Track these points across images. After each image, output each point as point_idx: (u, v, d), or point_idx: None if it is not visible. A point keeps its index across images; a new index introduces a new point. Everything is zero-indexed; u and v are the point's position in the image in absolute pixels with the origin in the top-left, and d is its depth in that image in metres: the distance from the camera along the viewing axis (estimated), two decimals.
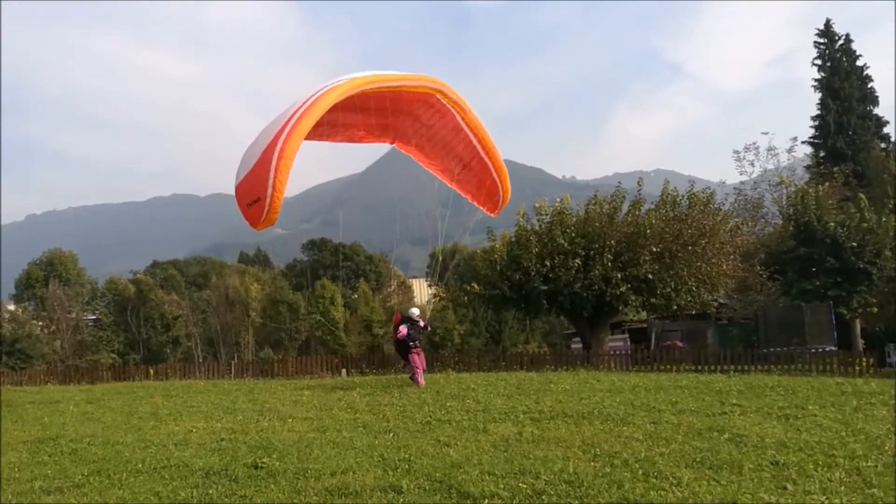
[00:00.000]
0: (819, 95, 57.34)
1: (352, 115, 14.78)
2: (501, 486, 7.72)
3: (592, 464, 8.75)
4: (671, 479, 7.89)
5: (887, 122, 57.58)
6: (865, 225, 35.41)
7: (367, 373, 27.97)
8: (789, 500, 7.22)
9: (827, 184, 40.94)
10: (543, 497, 7.38)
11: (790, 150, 51.18)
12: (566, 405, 13.91)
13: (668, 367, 26.41)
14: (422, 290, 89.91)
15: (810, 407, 13.15)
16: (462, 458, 9.26)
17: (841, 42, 57.85)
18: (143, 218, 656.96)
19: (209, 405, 16.74)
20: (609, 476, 8.06)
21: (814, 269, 35.97)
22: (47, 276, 73.31)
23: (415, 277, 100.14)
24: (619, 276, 29.04)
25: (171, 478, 8.94)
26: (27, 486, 8.92)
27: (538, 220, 31.81)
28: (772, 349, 30.30)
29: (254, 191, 11.89)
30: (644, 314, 39.37)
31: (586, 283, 29.17)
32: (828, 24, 58.50)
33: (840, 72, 56.78)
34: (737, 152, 51.20)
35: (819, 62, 57.90)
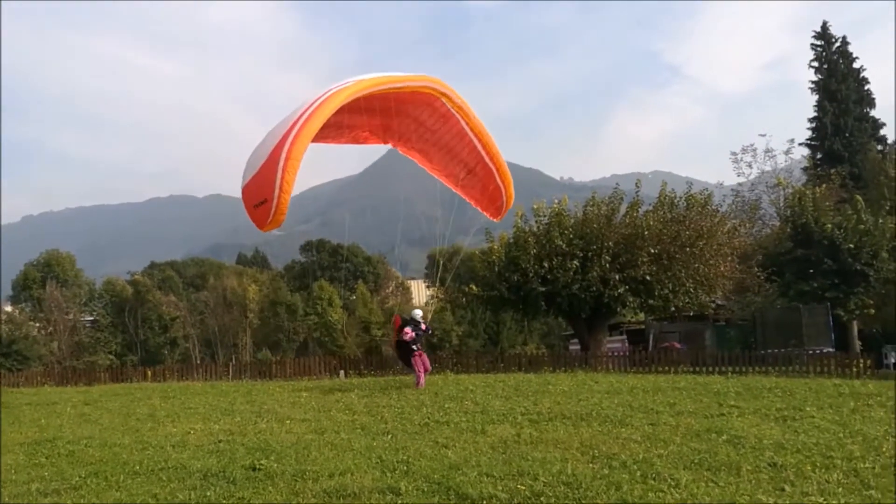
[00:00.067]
0: (816, 97, 57.42)
1: (357, 117, 14.83)
2: (500, 488, 7.71)
3: (591, 465, 8.75)
4: (669, 480, 7.89)
5: (884, 125, 57.72)
6: (862, 227, 35.48)
7: (365, 374, 27.97)
8: (787, 502, 7.22)
9: (824, 186, 41.00)
10: (542, 498, 7.37)
11: (787, 152, 51.23)
12: (564, 407, 13.91)
13: (666, 368, 26.41)
14: (420, 292, 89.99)
15: (808, 408, 13.17)
16: (460, 459, 9.25)
17: (838, 44, 57.95)
18: (141, 219, 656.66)
19: (207, 407, 16.73)
20: (607, 477, 8.06)
21: (811, 271, 36.03)
22: (44, 277, 73.29)
23: (413, 279, 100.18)
24: (616, 277, 29.06)
25: (168, 479, 8.93)
26: (24, 489, 8.89)
27: (536, 222, 31.84)
28: (769, 351, 30.32)
29: (261, 192, 11.91)
30: (642, 315, 39.39)
31: (584, 285, 29.19)
32: (824, 26, 58.60)
33: (837, 74, 56.86)
34: (734, 154, 51.26)
35: (816, 64, 57.98)
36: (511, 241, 31.83)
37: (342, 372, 28.98)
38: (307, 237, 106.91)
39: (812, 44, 58.37)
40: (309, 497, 7.80)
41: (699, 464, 8.67)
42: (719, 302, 39.77)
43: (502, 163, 16.64)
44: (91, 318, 73.65)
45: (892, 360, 35.85)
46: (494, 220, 17.95)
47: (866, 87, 57.77)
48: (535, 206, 32.47)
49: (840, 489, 7.58)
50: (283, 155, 11.70)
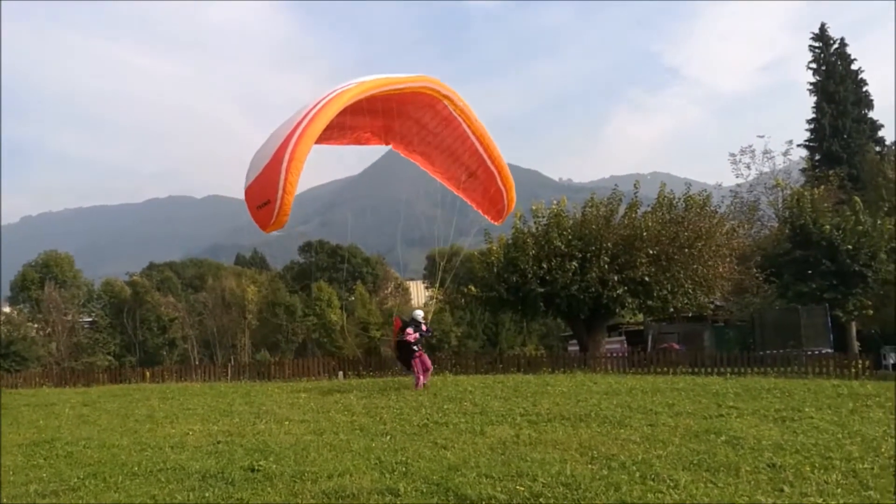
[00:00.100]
0: (814, 99, 57.54)
1: (359, 118, 14.86)
2: (499, 489, 7.71)
3: (590, 466, 8.74)
4: (668, 481, 7.89)
5: (882, 126, 57.86)
6: (861, 228, 35.53)
7: (364, 375, 27.96)
8: (786, 502, 7.22)
9: (822, 187, 41.11)
10: (541, 499, 7.37)
11: (786, 154, 51.45)
12: (563, 408, 13.90)
13: (665, 369, 26.45)
14: (419, 293, 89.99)
15: (807, 409, 13.17)
16: (459, 460, 9.24)
17: (836, 46, 58.05)
18: (140, 219, 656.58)
19: (205, 408, 16.70)
20: (606, 478, 8.05)
21: (810, 272, 36.08)
22: (43, 277, 73.20)
23: (412, 279, 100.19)
24: (615, 278, 29.09)
25: (167, 481, 8.91)
26: (22, 490, 8.88)
27: (535, 223, 31.88)
28: (768, 351, 30.37)
29: (264, 193, 11.92)
30: (641, 316, 39.43)
31: (583, 286, 29.21)
32: (822, 28, 58.68)
33: (835, 75, 56.97)
34: (733, 155, 51.50)
35: (814, 66, 58.09)
36: (510, 241, 31.86)
37: (341, 373, 28.98)
38: (306, 238, 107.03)
39: (810, 45, 58.52)
40: (308, 498, 7.79)
41: (698, 465, 8.67)
42: (718, 303, 39.82)
43: (504, 166, 16.67)
44: (89, 319, 73.60)
45: (891, 361, 35.95)
46: (495, 223, 17.97)
47: (864, 89, 57.90)
48: (533, 207, 32.51)
49: (839, 490, 7.58)
50: (287, 156, 11.73)
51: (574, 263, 29.25)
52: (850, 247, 35.08)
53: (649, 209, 31.84)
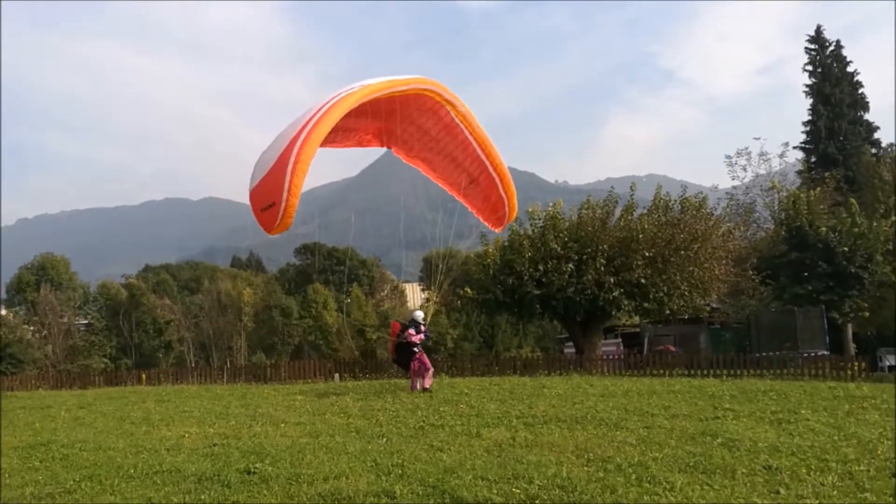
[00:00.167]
0: (810, 101, 57.68)
1: (362, 120, 14.91)
2: (495, 492, 7.70)
3: (586, 468, 8.74)
4: (664, 483, 7.89)
5: (878, 128, 58.05)
6: (857, 230, 35.59)
7: (359, 377, 27.94)
8: None
9: (818, 189, 41.13)
10: (537, 502, 7.37)
11: (782, 156, 51.44)
12: (559, 410, 13.90)
13: (661, 371, 26.46)
14: (415, 295, 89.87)
15: (803, 411, 13.18)
16: (455, 463, 9.23)
17: (832, 48, 58.19)
18: (136, 222, 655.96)
19: (201, 410, 16.68)
20: (602, 481, 8.05)
21: (806, 274, 36.12)
22: (39, 280, 73.02)
23: (408, 282, 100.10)
24: (611, 280, 29.09)
25: (163, 483, 8.89)
26: (18, 493, 8.86)
27: (531, 225, 31.88)
28: (764, 353, 30.43)
29: (269, 195, 11.94)
30: (637, 318, 39.50)
31: (579, 288, 29.21)
32: (818, 30, 58.84)
33: (831, 77, 57.10)
34: (729, 157, 51.47)
35: (810, 68, 58.22)
36: (506, 244, 31.86)
37: (337, 375, 28.95)
38: (303, 240, 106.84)
39: (806, 48, 58.65)
40: (304, 500, 7.78)
41: (694, 467, 8.67)
42: (714, 305, 39.87)
43: (506, 174, 16.69)
44: (85, 322, 73.49)
45: (887, 363, 35.98)
46: (496, 230, 17.94)
47: (860, 91, 58.06)
48: (529, 210, 32.49)
49: (835, 492, 7.59)
50: (293, 158, 11.78)
51: (570, 265, 29.26)
52: (846, 249, 35.14)
53: (645, 211, 31.86)
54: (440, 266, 19.55)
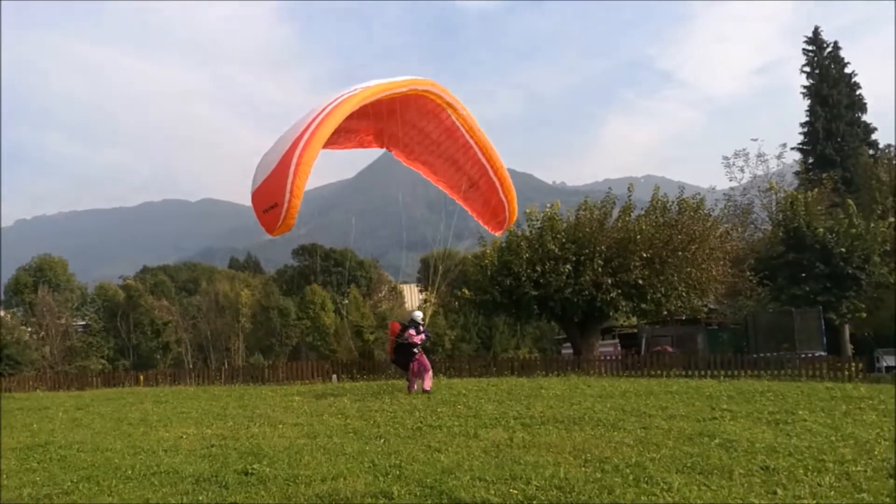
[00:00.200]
0: (808, 102, 57.76)
1: (363, 121, 14.95)
2: (492, 492, 7.70)
3: (583, 469, 8.74)
4: (662, 484, 7.89)
5: (875, 129, 58.13)
6: (854, 231, 35.64)
7: (357, 378, 27.93)
8: None
9: (816, 190, 41.16)
10: (534, 502, 7.37)
11: (779, 157, 51.55)
12: (557, 410, 13.90)
13: (659, 372, 26.47)
14: (413, 296, 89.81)
15: (800, 412, 13.19)
16: (453, 463, 9.23)
17: (829, 50, 58.29)
18: (134, 223, 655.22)
19: (199, 411, 16.66)
20: (600, 481, 8.05)
21: (803, 275, 36.17)
22: (36, 281, 72.95)
23: (406, 283, 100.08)
24: (609, 281, 29.11)
25: (160, 484, 8.89)
26: (16, 494, 8.84)
27: (529, 226, 31.89)
28: (762, 354, 30.45)
29: (271, 197, 11.97)
30: (634, 319, 39.47)
31: (577, 289, 29.23)
32: (816, 31, 58.96)
33: (828, 79, 57.20)
34: (726, 158, 51.56)
35: (808, 69, 58.33)
36: (503, 245, 31.86)
37: (335, 376, 28.95)
38: (300, 241, 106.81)
39: (804, 49, 58.79)
40: (301, 501, 7.78)
41: (691, 467, 8.68)
42: (711, 306, 39.88)
43: (507, 178, 16.70)
44: (83, 323, 73.42)
45: (884, 364, 36.04)
46: (496, 233, 17.98)
47: (858, 92, 58.18)
48: (527, 211, 32.50)
49: (832, 492, 7.60)
50: (295, 160, 11.83)
51: (568, 266, 29.28)
52: (843, 250, 35.19)
53: (643, 212, 31.90)
54: (439, 267, 19.52)
